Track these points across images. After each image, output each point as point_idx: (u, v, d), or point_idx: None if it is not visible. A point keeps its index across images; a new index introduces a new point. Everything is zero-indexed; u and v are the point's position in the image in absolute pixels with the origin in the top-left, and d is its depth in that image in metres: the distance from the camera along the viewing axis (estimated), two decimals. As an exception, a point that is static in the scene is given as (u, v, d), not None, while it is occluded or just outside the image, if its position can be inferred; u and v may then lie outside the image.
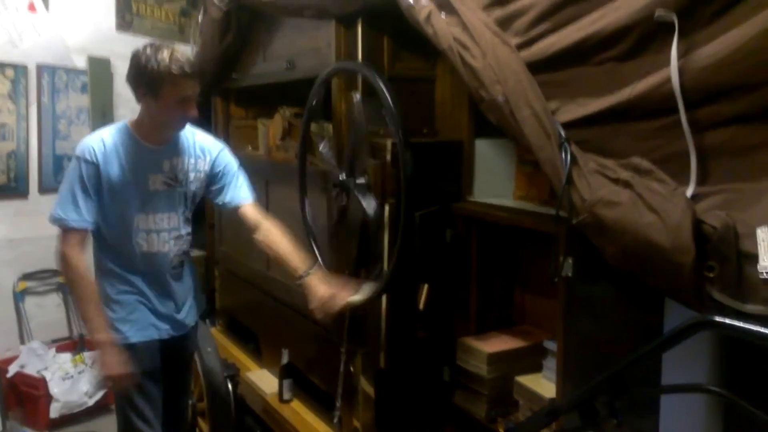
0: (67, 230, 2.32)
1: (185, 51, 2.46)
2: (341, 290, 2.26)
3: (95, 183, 2.31)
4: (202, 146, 2.49)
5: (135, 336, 2.41)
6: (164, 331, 2.49)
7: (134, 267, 2.42)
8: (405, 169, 2.09)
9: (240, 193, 2.55)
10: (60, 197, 2.33)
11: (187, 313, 2.57)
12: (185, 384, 2.80)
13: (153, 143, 2.38)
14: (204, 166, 2.50)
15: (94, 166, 2.30)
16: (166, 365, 2.52)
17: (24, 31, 4.24)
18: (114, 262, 2.42)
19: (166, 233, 2.43)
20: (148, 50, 2.26)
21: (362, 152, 2.30)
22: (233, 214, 2.56)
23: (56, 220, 2.33)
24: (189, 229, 2.53)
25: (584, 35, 1.66)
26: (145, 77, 2.25)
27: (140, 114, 2.38)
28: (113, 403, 2.49)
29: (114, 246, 2.41)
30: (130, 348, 2.37)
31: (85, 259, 2.35)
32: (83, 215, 2.31)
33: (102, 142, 2.32)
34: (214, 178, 2.52)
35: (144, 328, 2.43)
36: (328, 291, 2.25)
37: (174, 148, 2.43)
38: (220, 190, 2.53)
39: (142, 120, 2.38)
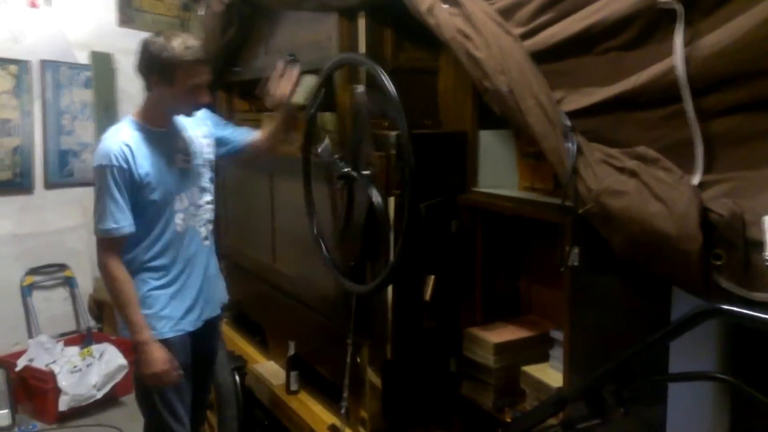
0: (113, 239, 2.33)
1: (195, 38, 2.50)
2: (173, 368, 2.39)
3: (129, 184, 2.32)
4: (196, 115, 2.55)
5: (169, 332, 2.46)
6: (197, 318, 2.55)
7: (169, 251, 2.46)
8: (409, 161, 2.09)
9: (244, 132, 2.78)
10: (100, 211, 2.31)
11: (217, 287, 2.70)
12: (209, 379, 2.86)
13: (161, 127, 2.43)
14: (208, 131, 2.63)
15: (125, 169, 2.31)
16: (194, 360, 2.58)
17: (26, 27, 4.25)
18: (147, 255, 2.44)
19: (194, 207, 2.52)
20: (161, 38, 2.30)
21: (366, 144, 2.30)
22: (250, 150, 2.77)
23: (107, 232, 2.31)
24: (211, 197, 2.62)
25: (588, 24, 1.66)
26: (159, 65, 2.29)
27: (147, 102, 2.42)
28: (138, 394, 2.55)
29: (149, 237, 2.43)
30: (164, 344, 2.42)
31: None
32: (128, 218, 2.33)
33: (123, 142, 2.32)
34: (221, 138, 2.70)
35: (176, 323, 2.48)
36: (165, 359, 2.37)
37: (179, 127, 2.51)
38: (230, 140, 2.72)
39: (149, 108, 2.42)
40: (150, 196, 2.37)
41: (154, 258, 2.44)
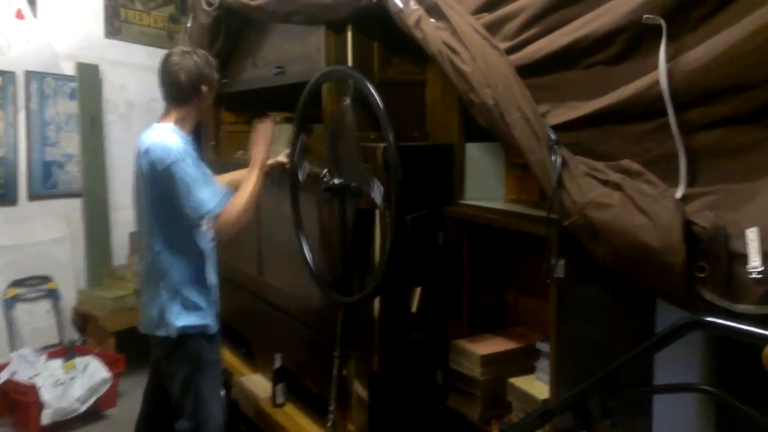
0: (217, 215, 2.38)
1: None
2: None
3: (199, 163, 2.42)
4: None
5: (215, 325, 2.56)
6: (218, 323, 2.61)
7: (211, 262, 2.58)
8: (396, 173, 2.10)
9: None
10: (195, 198, 2.34)
11: None
12: None
13: (188, 136, 2.51)
14: None
15: (195, 155, 2.42)
16: None
17: (12, 38, 4.23)
18: (204, 263, 2.54)
19: None
20: (196, 54, 2.49)
21: (353, 156, 2.31)
22: None
23: (211, 211, 2.36)
24: None
25: (573, 39, 1.68)
26: (206, 74, 2.49)
27: (179, 113, 2.49)
28: (185, 386, 2.55)
29: (206, 245, 2.54)
30: (213, 338, 2.55)
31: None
32: (214, 187, 2.41)
33: (182, 141, 2.41)
34: None
35: (216, 317, 2.58)
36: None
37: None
38: None
39: (182, 118, 2.49)
40: (206, 174, 2.47)
41: (204, 246, 2.53)
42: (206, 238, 2.53)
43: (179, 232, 2.44)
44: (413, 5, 2.11)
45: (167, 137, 2.39)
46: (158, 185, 2.37)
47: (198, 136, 2.67)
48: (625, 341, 1.65)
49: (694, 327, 1.13)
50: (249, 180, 2.48)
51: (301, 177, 2.59)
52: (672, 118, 1.50)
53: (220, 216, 2.37)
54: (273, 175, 2.81)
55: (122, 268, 4.69)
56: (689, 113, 1.50)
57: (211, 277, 2.57)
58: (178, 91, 2.46)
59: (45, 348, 4.25)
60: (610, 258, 1.61)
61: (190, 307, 2.48)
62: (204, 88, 2.48)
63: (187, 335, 2.47)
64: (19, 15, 4.26)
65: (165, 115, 2.51)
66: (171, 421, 2.57)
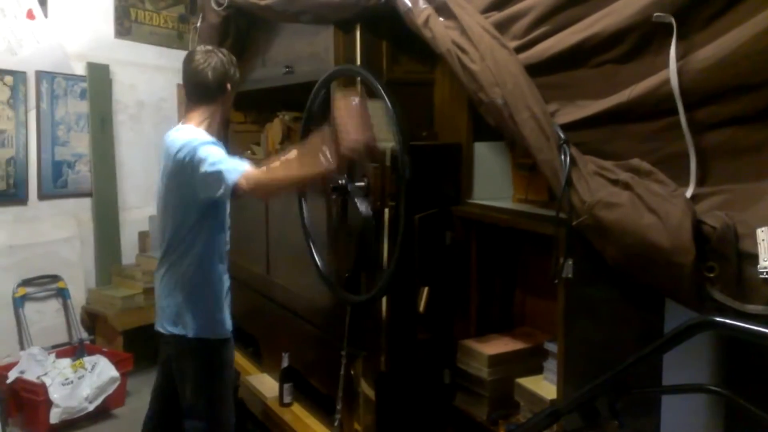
0: (246, 174, 2.15)
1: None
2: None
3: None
4: None
5: (230, 327, 2.55)
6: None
7: (225, 262, 2.56)
8: (404, 173, 2.09)
9: None
10: (218, 165, 2.17)
11: None
12: None
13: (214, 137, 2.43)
14: None
15: (219, 145, 2.33)
16: None
17: (23, 38, 4.25)
18: (220, 262, 2.51)
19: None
20: (220, 52, 2.46)
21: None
22: None
23: (234, 174, 2.14)
24: None
25: (582, 38, 1.67)
26: (231, 72, 2.46)
27: (209, 115, 2.45)
28: (198, 387, 2.54)
29: (222, 244, 2.52)
30: (228, 342, 2.54)
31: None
32: (238, 161, 2.24)
33: (207, 136, 2.36)
34: None
35: (229, 321, 2.56)
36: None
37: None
38: None
39: (206, 119, 2.45)
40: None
41: (223, 250, 2.53)
42: (224, 236, 2.50)
43: (199, 233, 2.41)
44: (422, 4, 2.10)
45: (194, 133, 2.35)
46: (182, 174, 2.30)
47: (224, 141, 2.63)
48: (634, 342, 1.64)
49: (704, 327, 1.12)
50: (305, 164, 2.15)
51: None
52: (683, 117, 1.49)
53: (251, 174, 2.16)
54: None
55: (131, 267, 4.70)
56: (699, 112, 1.50)
57: (226, 279, 2.57)
58: (205, 90, 2.43)
59: (54, 347, 4.27)
60: (619, 258, 1.60)
61: (206, 308, 2.47)
62: (229, 86, 2.46)
63: (201, 338, 2.46)
64: (30, 15, 4.28)
65: (189, 116, 2.46)
66: (179, 421, 2.57)
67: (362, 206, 2.24)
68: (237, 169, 2.17)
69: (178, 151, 2.29)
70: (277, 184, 2.24)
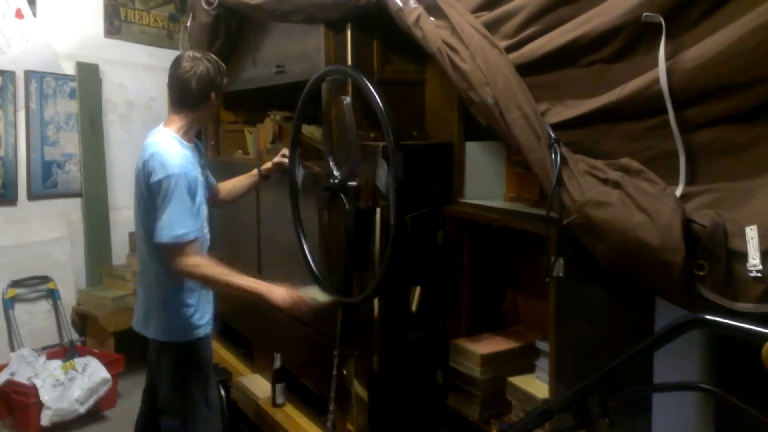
0: (186, 243, 2.30)
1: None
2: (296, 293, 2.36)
3: (194, 192, 2.36)
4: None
5: (205, 329, 2.56)
6: (212, 323, 2.62)
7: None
8: (396, 172, 2.09)
9: (209, 175, 2.77)
10: (171, 217, 2.28)
11: None
12: None
13: (190, 143, 2.48)
14: (201, 156, 2.62)
15: (195, 176, 2.37)
16: None
17: (12, 38, 4.23)
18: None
19: (206, 220, 2.57)
20: (206, 59, 2.43)
21: (353, 155, 2.30)
22: (212, 192, 2.77)
23: (178, 238, 2.28)
24: None
25: (572, 37, 1.67)
26: (217, 81, 2.45)
27: (185, 120, 2.45)
28: (176, 384, 2.55)
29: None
30: (201, 341, 2.54)
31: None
32: (198, 223, 2.37)
33: (182, 154, 2.37)
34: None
35: (208, 321, 2.57)
36: (291, 291, 2.35)
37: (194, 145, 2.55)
38: (206, 176, 2.68)
39: (186, 125, 2.46)
40: (198, 205, 2.43)
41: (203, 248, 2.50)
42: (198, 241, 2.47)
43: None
44: (413, 4, 2.10)
45: (171, 149, 2.35)
46: (147, 191, 2.36)
47: (198, 136, 2.62)
48: (625, 340, 1.65)
49: (694, 325, 1.12)
50: (243, 289, 2.37)
51: (299, 182, 2.59)
52: (672, 117, 1.50)
53: (186, 250, 2.30)
54: (272, 177, 2.82)
55: (122, 267, 4.69)
56: (688, 111, 1.50)
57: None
58: (187, 98, 2.42)
59: (44, 348, 4.25)
60: (610, 256, 1.60)
61: (177, 311, 2.47)
62: (213, 95, 2.45)
63: (170, 342, 2.48)
64: (19, 14, 4.26)
65: (170, 119, 2.48)
66: None
67: (352, 206, 2.24)
68: (179, 236, 2.28)
69: (149, 169, 2.33)
70: (205, 280, 2.39)
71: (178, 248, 2.29)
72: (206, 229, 2.54)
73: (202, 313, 2.54)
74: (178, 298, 2.47)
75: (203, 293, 2.55)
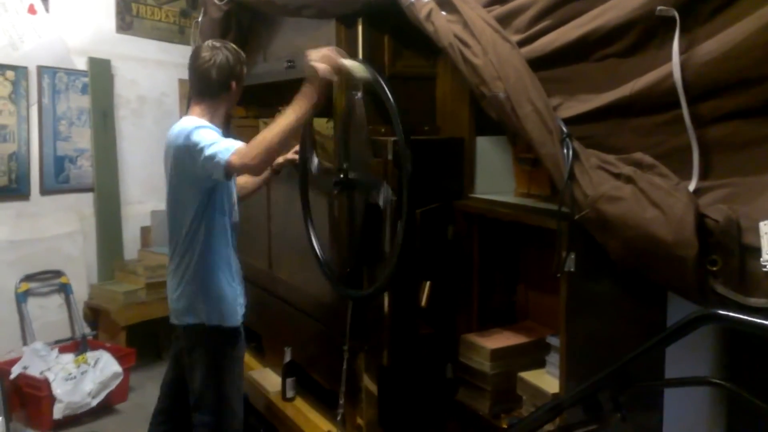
0: (236, 150, 2.20)
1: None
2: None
3: None
4: None
5: (241, 318, 2.58)
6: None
7: (232, 246, 2.55)
8: (406, 167, 2.09)
9: None
10: (212, 146, 2.21)
11: None
12: None
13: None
14: None
15: (214, 129, 2.36)
16: None
17: (24, 33, 4.25)
18: (226, 246, 2.50)
19: (237, 204, 2.61)
20: (226, 48, 2.45)
21: (363, 150, 2.30)
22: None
23: (226, 153, 2.19)
24: None
25: (585, 32, 1.67)
26: (237, 70, 2.46)
27: (208, 109, 2.46)
28: (208, 376, 2.55)
29: (225, 227, 2.50)
30: (238, 332, 2.56)
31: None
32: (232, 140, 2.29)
33: (204, 122, 2.38)
34: None
35: (242, 310, 2.59)
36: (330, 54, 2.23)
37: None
38: None
39: (210, 114, 2.46)
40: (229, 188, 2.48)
41: (228, 249, 2.52)
42: (226, 219, 2.48)
43: (202, 220, 2.42)
44: (424, -2, 2.10)
45: (192, 121, 2.37)
46: (182, 161, 2.33)
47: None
48: (636, 335, 1.64)
49: (707, 320, 1.12)
50: (292, 107, 2.23)
51: (313, 170, 2.58)
52: (685, 111, 1.49)
53: (240, 149, 2.20)
54: (282, 172, 2.82)
55: (134, 262, 4.71)
56: (702, 106, 1.49)
57: (234, 261, 2.57)
58: (208, 87, 2.44)
59: (57, 342, 4.28)
60: (622, 252, 1.59)
61: (218, 294, 2.48)
62: (234, 84, 2.46)
63: (214, 327, 2.48)
64: (32, 10, 4.28)
65: (192, 110, 2.49)
66: (188, 417, 2.57)
67: (380, 199, 2.23)
68: (228, 148, 2.21)
69: (176, 138, 2.34)
70: (266, 145, 2.20)
71: (234, 158, 2.19)
72: (236, 213, 2.57)
73: (238, 302, 2.56)
74: (220, 278, 2.48)
75: (236, 277, 2.56)
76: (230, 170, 2.23)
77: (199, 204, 2.40)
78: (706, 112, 1.49)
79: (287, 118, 2.22)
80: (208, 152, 2.22)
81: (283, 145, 2.26)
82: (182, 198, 2.43)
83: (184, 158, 2.32)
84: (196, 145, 2.25)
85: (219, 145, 2.23)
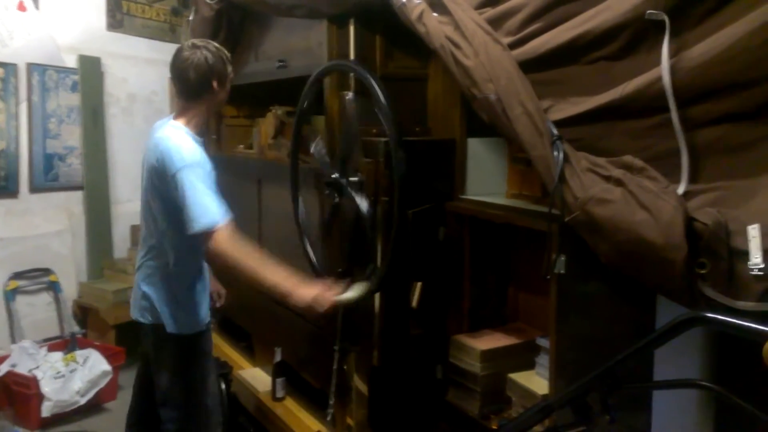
0: (220, 228, 2.22)
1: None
2: (328, 289, 2.22)
3: (212, 181, 2.33)
4: None
5: (206, 319, 2.57)
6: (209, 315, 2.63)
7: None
8: (398, 168, 2.09)
9: None
10: (200, 205, 2.21)
11: None
12: None
13: (199, 136, 2.46)
14: None
15: (209, 169, 2.34)
16: None
17: (14, 30, 4.22)
18: (200, 256, 2.46)
19: None
20: (206, 49, 2.39)
21: (355, 151, 2.30)
22: None
23: (211, 225, 2.20)
24: None
25: (576, 34, 1.67)
26: (218, 70, 2.40)
27: (192, 111, 2.44)
28: (178, 376, 2.55)
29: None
30: (205, 333, 2.56)
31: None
32: (225, 208, 2.28)
33: (196, 147, 2.34)
34: None
35: (207, 312, 2.58)
36: (316, 290, 2.20)
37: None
38: None
39: (194, 116, 2.44)
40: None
41: (202, 257, 2.49)
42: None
43: (177, 229, 2.36)
44: (416, -1, 2.10)
45: (185, 143, 2.31)
46: (164, 186, 2.31)
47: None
48: (625, 337, 1.65)
49: (695, 323, 1.13)
50: (275, 284, 2.21)
51: (312, 149, 2.53)
52: (674, 115, 1.50)
53: (220, 233, 2.21)
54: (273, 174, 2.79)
55: (123, 260, 4.70)
56: (691, 109, 1.50)
57: (206, 271, 2.58)
58: (188, 88, 2.40)
59: (45, 340, 4.26)
60: (611, 254, 1.60)
61: (185, 304, 2.48)
62: (215, 83, 2.40)
63: (181, 333, 2.47)
64: (21, 7, 4.25)
65: (178, 112, 2.47)
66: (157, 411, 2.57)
67: (362, 204, 2.24)
68: (216, 221, 2.20)
69: (155, 148, 2.32)
70: (239, 267, 2.22)
71: (214, 234, 2.20)
72: None
73: (206, 305, 2.56)
74: (189, 288, 2.48)
75: (206, 284, 2.57)
76: (206, 239, 2.21)
77: (177, 215, 2.30)
78: (695, 115, 1.50)
79: (267, 276, 2.21)
80: (200, 205, 2.21)
81: (241, 280, 2.27)
82: (159, 206, 2.40)
83: (170, 189, 2.28)
84: (189, 191, 2.22)
85: (210, 206, 2.21)
